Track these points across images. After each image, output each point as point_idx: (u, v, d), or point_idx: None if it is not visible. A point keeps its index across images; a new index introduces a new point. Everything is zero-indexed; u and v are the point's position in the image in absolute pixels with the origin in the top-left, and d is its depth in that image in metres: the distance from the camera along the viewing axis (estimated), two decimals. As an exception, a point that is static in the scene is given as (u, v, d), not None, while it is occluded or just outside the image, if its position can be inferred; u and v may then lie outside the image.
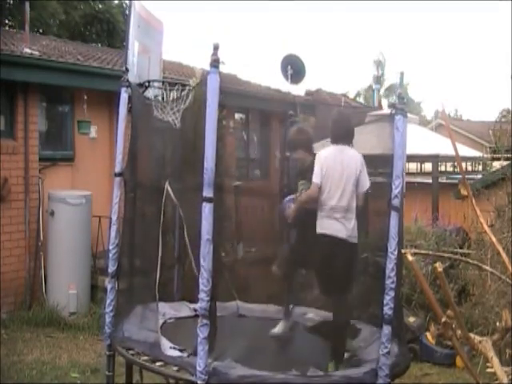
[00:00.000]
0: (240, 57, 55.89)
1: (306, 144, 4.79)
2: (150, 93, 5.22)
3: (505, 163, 8.04)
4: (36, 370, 6.32)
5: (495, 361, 3.42)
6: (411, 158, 9.93)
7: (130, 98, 4.81)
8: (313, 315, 5.42)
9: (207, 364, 3.72)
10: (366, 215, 4.87)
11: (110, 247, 4.77)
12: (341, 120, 4.66)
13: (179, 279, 5.70)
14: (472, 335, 3.61)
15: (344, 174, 4.40)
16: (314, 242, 4.43)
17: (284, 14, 73.64)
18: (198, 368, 3.70)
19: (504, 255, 4.25)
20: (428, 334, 6.64)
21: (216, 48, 3.78)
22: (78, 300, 8.34)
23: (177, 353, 4.14)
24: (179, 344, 4.23)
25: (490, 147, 13.87)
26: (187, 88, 5.24)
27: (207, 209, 3.71)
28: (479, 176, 9.62)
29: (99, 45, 15.94)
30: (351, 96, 30.96)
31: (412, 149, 6.79)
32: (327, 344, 4.54)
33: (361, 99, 35.95)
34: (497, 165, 8.97)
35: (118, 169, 4.81)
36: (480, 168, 11.70)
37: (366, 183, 4.47)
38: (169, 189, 4.80)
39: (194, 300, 4.34)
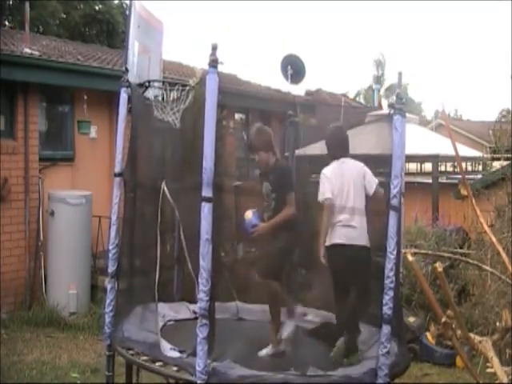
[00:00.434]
0: (240, 57, 55.88)
1: (267, 145, 4.80)
2: (150, 93, 5.21)
3: (505, 163, 8.03)
4: (36, 370, 6.32)
5: (495, 361, 3.42)
6: (411, 158, 9.91)
7: (129, 98, 4.81)
8: (312, 316, 5.43)
9: (207, 364, 3.72)
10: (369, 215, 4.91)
11: (110, 247, 4.77)
12: (334, 136, 4.85)
13: (179, 279, 5.69)
14: (472, 335, 3.60)
15: (351, 183, 4.59)
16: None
17: (284, 14, 73.75)
18: (197, 368, 3.70)
19: (504, 255, 4.25)
20: (428, 333, 6.64)
21: (214, 48, 3.78)
22: (78, 300, 8.34)
23: (176, 354, 4.13)
24: (179, 346, 4.23)
25: (490, 147, 13.87)
26: (187, 88, 5.23)
27: (206, 208, 3.71)
28: (479, 176, 9.60)
29: (99, 45, 15.91)
30: (351, 96, 30.94)
31: (412, 149, 6.80)
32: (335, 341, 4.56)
33: (361, 99, 35.92)
34: (497, 165, 8.96)
35: (117, 169, 4.81)
36: (480, 168, 11.68)
37: (373, 183, 4.63)
38: (165, 189, 4.79)
39: (194, 300, 4.34)
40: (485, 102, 68.59)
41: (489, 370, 3.56)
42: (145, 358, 4.22)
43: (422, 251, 6.94)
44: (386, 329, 3.88)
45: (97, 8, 17.89)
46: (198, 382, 3.71)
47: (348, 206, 4.54)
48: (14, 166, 8.52)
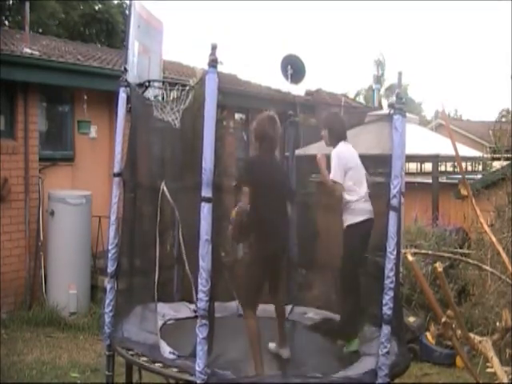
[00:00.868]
0: (240, 57, 55.89)
1: (257, 134, 4.63)
2: (150, 93, 5.21)
3: (505, 163, 8.03)
4: (36, 370, 6.32)
5: (495, 361, 3.42)
6: (411, 158, 9.91)
7: (129, 98, 4.80)
8: (312, 314, 5.42)
9: (206, 364, 3.71)
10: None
11: (109, 247, 4.76)
12: (338, 119, 5.09)
13: (179, 279, 5.69)
14: (472, 335, 3.60)
15: (359, 163, 4.82)
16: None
17: (284, 14, 73.74)
18: (197, 368, 3.70)
19: (504, 255, 4.25)
20: (428, 334, 6.63)
21: (214, 48, 3.77)
22: (78, 300, 8.34)
23: (176, 357, 4.13)
24: (178, 345, 4.23)
25: (490, 147, 13.84)
26: (187, 88, 5.23)
27: (206, 209, 3.71)
28: (479, 176, 9.59)
29: (98, 45, 15.92)
30: (351, 96, 30.92)
31: (412, 149, 6.79)
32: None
33: (361, 99, 35.93)
34: (497, 165, 8.96)
35: (116, 169, 4.80)
36: (480, 168, 11.67)
37: None
38: (165, 189, 4.79)
39: (194, 301, 4.33)
40: (485, 102, 68.68)
41: (489, 370, 3.56)
42: (144, 358, 4.22)
43: (422, 251, 6.94)
44: (386, 329, 3.88)
45: (96, 8, 17.88)
46: (198, 381, 3.71)
47: (364, 181, 4.76)
48: (13, 165, 8.52)
